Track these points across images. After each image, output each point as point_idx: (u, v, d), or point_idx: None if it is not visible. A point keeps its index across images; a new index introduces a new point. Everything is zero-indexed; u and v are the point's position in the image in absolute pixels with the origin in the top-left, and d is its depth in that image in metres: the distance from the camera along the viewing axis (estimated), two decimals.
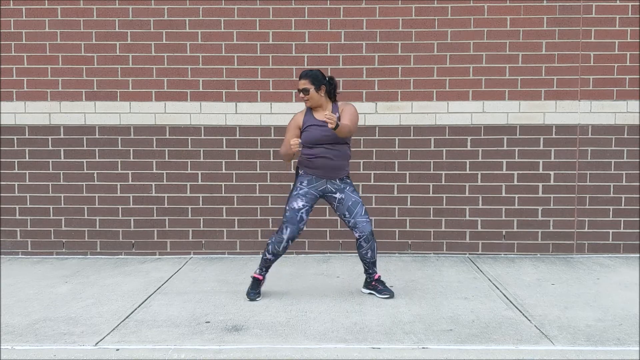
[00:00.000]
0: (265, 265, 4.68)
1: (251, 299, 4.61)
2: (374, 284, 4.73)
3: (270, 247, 4.60)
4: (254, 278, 4.70)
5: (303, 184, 4.59)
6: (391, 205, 6.06)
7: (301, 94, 4.54)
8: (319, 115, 4.54)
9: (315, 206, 5.81)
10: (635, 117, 5.95)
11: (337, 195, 4.60)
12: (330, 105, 4.62)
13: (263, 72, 6.00)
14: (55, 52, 6.01)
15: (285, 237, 4.54)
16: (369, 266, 4.72)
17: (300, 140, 4.42)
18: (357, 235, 4.61)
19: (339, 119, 4.47)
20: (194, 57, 6.00)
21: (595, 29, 5.90)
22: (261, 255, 4.75)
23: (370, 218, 4.65)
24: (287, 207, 4.57)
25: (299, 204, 4.55)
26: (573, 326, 4.04)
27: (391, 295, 4.64)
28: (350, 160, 4.68)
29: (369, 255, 4.66)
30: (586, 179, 6.00)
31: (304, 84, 4.52)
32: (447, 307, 4.44)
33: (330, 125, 4.21)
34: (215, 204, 6.09)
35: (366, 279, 4.79)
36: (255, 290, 4.66)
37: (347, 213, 4.59)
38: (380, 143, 6.01)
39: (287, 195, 5.89)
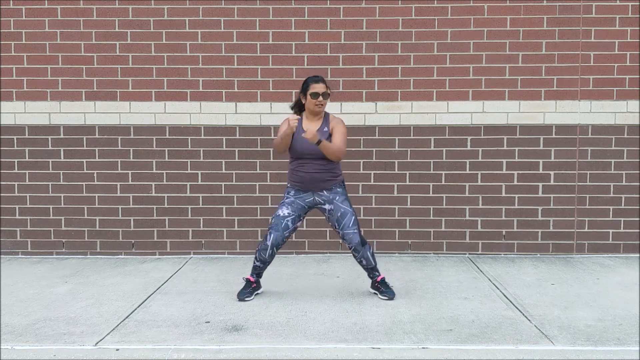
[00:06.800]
0: (256, 272, 4.71)
1: (240, 299, 4.61)
2: (377, 285, 4.73)
3: (257, 254, 4.64)
4: (246, 279, 4.72)
5: (290, 194, 4.61)
6: (391, 205, 6.06)
7: (320, 98, 4.44)
8: (309, 126, 4.51)
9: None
10: (635, 117, 5.95)
11: (327, 207, 4.57)
12: (323, 115, 4.59)
13: (263, 72, 6.00)
14: (55, 52, 6.01)
15: (269, 243, 4.55)
16: (369, 271, 4.72)
17: (299, 117, 4.40)
18: (347, 246, 4.62)
19: (329, 134, 4.48)
20: (194, 57, 6.00)
21: (595, 29, 5.90)
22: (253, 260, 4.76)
23: (359, 230, 4.58)
24: (274, 215, 4.59)
25: (284, 211, 4.56)
26: (573, 326, 4.04)
27: (391, 297, 4.62)
28: (337, 172, 4.58)
29: (364, 263, 4.67)
30: (586, 179, 6.00)
31: (324, 88, 4.47)
32: (447, 307, 4.44)
33: (312, 141, 4.27)
34: (215, 204, 6.09)
35: (372, 281, 4.80)
36: (245, 290, 4.67)
37: (336, 224, 4.58)
38: (380, 143, 6.01)
39: None
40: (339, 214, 4.54)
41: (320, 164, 4.48)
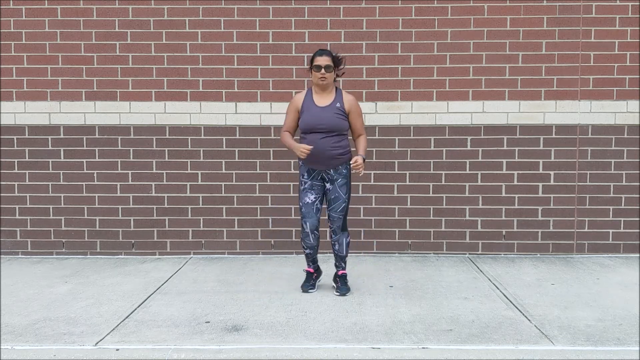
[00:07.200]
0: (310, 259, 4.83)
1: (304, 291, 4.76)
2: (336, 279, 4.85)
3: (302, 243, 4.77)
4: (306, 271, 4.86)
5: (304, 177, 4.66)
6: (391, 205, 6.06)
7: (322, 71, 4.46)
8: (319, 100, 4.55)
9: None
10: (635, 117, 5.95)
11: (328, 185, 4.67)
12: (334, 89, 4.61)
13: (263, 72, 6.00)
14: (55, 52, 6.01)
15: (308, 231, 4.67)
16: (336, 259, 4.83)
17: (310, 147, 4.43)
18: (329, 225, 4.75)
19: (344, 111, 4.55)
20: (194, 57, 6.00)
21: (595, 29, 5.90)
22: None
23: (345, 217, 4.72)
24: (301, 203, 4.67)
25: (310, 197, 4.64)
26: (573, 326, 4.04)
27: (343, 293, 4.71)
28: (347, 147, 4.64)
29: (336, 247, 4.78)
30: (586, 179, 6.00)
31: (328, 61, 4.48)
32: (447, 307, 4.44)
33: (361, 171, 4.44)
34: (215, 204, 6.09)
35: (335, 272, 4.91)
36: (308, 283, 4.82)
37: (327, 203, 4.70)
38: (380, 143, 6.01)
39: (288, 194, 5.94)
40: (333, 197, 4.65)
41: (332, 140, 4.52)
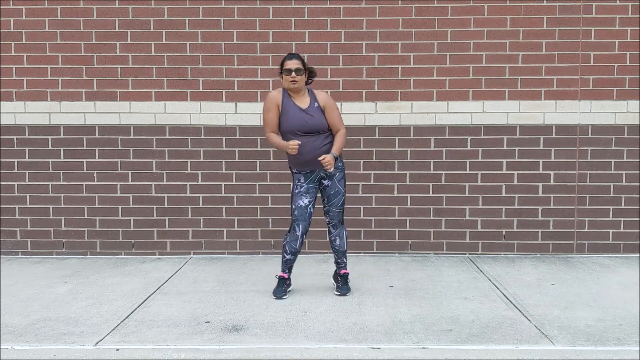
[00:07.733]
0: (287, 266, 4.75)
1: (278, 297, 4.64)
2: (338, 278, 4.84)
3: (287, 247, 4.69)
4: (280, 277, 4.74)
5: (301, 181, 4.63)
6: (391, 205, 6.06)
7: (293, 74, 4.47)
8: (299, 102, 4.56)
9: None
10: (635, 117, 5.95)
11: (326, 182, 4.67)
12: (307, 91, 4.63)
13: (263, 72, 6.00)
14: (55, 52, 6.01)
15: (299, 234, 4.64)
16: (338, 255, 4.81)
17: (299, 142, 4.44)
18: (327, 220, 4.75)
19: (321, 109, 4.55)
20: (194, 57, 6.00)
21: (595, 29, 5.90)
22: (280, 258, 4.83)
23: (343, 210, 4.77)
24: (294, 206, 4.63)
25: (304, 201, 4.62)
26: (573, 326, 4.05)
27: (344, 293, 4.71)
28: (332, 140, 4.63)
29: (337, 242, 4.77)
30: (586, 179, 6.00)
31: (297, 64, 4.49)
32: (447, 307, 4.44)
33: (331, 169, 4.45)
34: (215, 204, 6.09)
35: (335, 270, 4.91)
36: (281, 288, 4.69)
37: (326, 200, 4.70)
38: (380, 143, 6.01)
39: (288, 194, 5.93)
40: (332, 192, 4.67)
41: (321, 138, 4.54)
